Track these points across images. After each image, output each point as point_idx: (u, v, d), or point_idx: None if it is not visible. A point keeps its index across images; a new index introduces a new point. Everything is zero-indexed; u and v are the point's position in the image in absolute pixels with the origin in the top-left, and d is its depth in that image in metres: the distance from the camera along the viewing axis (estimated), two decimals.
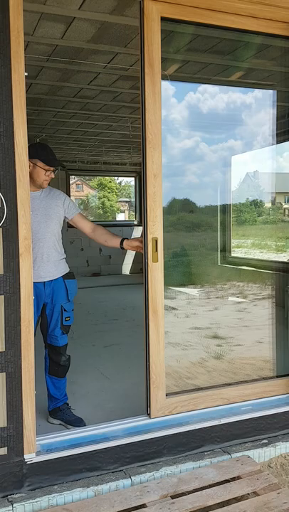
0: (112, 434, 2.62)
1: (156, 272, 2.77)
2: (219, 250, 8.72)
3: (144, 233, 2.73)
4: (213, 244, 8.73)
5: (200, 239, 9.13)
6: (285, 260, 3.76)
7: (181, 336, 4.74)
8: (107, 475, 2.50)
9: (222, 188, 8.55)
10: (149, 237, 2.73)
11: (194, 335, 5.26)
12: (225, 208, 8.59)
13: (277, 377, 3.13)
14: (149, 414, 2.73)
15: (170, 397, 2.80)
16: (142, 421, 2.72)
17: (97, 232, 3.09)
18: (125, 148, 9.49)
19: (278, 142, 3.55)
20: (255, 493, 2.36)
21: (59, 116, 6.63)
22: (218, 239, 8.69)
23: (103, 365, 4.34)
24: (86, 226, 3.11)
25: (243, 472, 2.52)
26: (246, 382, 3.07)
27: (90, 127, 7.48)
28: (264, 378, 3.14)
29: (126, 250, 10.37)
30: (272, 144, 3.61)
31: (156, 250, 2.74)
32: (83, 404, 3.40)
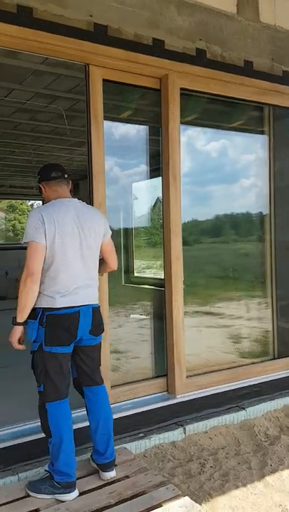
0: None
1: None
2: (123, 271, 9.12)
3: None
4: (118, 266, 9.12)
5: None
6: None
7: None
8: None
9: (125, 213, 9.04)
10: None
11: None
12: (127, 232, 9.08)
13: (154, 377, 3.57)
14: None
15: None
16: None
17: None
18: (31, 172, 9.76)
19: None
20: (127, 477, 2.74)
21: None
22: (122, 261, 9.10)
23: None
24: None
25: (119, 461, 2.89)
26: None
27: None
28: (146, 379, 3.55)
29: None
30: None
31: None
32: None
